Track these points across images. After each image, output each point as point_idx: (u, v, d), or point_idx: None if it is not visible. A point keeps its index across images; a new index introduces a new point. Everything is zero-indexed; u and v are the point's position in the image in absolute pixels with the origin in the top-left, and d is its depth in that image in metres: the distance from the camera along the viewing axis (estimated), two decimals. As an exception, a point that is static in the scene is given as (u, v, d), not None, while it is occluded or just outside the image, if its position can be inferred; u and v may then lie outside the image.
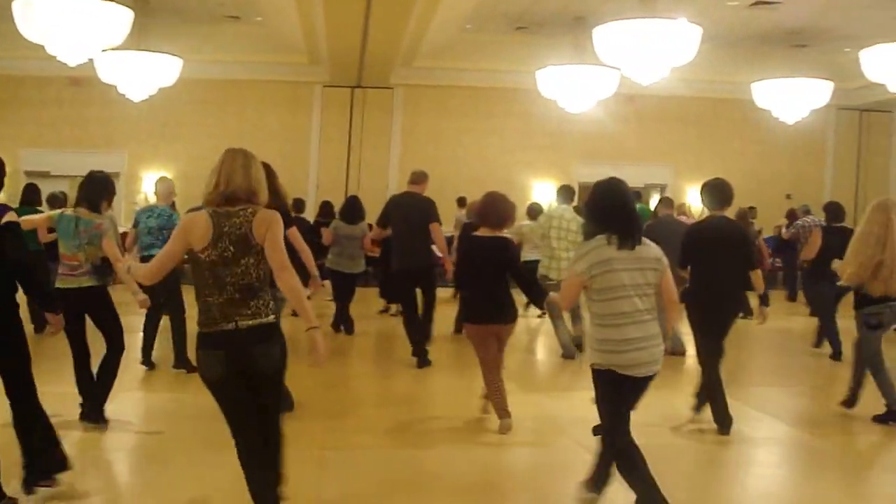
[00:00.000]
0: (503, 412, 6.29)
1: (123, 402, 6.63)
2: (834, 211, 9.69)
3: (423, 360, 8.63)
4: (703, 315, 6.50)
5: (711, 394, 6.47)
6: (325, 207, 13.22)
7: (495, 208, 6.39)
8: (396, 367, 8.98)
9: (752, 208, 13.91)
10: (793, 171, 18.81)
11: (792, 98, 14.52)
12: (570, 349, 9.20)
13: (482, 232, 6.40)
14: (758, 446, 6.39)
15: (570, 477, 5.02)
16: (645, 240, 4.53)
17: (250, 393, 3.85)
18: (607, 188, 4.57)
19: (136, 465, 5.67)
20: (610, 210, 4.48)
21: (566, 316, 9.23)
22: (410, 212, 8.80)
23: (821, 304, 9.93)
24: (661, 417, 6.60)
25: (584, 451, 5.15)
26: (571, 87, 13.59)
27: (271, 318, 3.88)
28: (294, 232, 6.07)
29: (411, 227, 8.76)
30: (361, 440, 6.21)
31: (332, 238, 10.61)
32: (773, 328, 12.35)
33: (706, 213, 7.15)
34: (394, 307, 11.85)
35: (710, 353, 6.49)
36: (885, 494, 5.38)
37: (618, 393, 4.38)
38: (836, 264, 7.30)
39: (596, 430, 4.51)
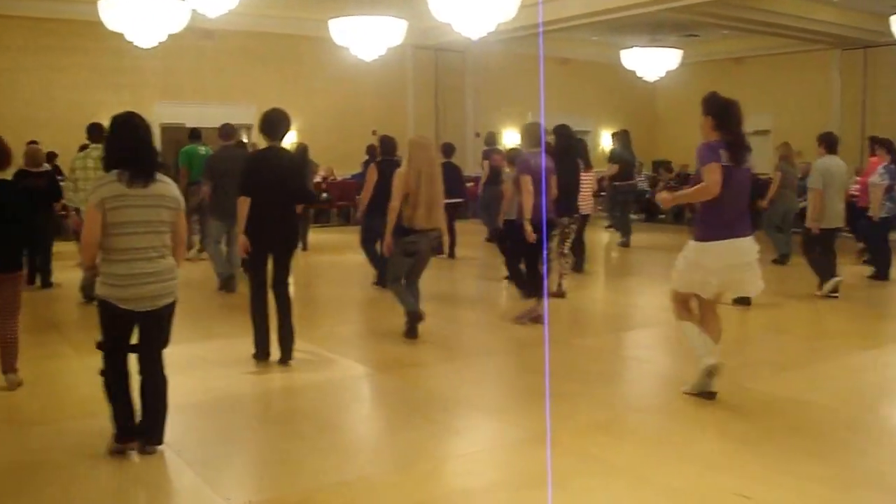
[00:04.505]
0: (9, 367, 5.99)
1: None
2: (387, 145, 9.88)
3: None
4: (257, 245, 6.53)
5: (254, 322, 6.66)
6: None
7: None
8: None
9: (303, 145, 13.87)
10: (378, 108, 19.17)
11: (368, 36, 14.63)
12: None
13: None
14: (332, 389, 6.21)
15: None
16: (163, 177, 4.57)
17: None
18: (120, 123, 4.55)
19: None
20: (121, 145, 4.47)
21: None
22: None
23: (372, 236, 10.00)
24: (232, 361, 6.68)
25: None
26: (137, 18, 12.51)
27: None
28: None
29: None
30: None
31: None
32: (329, 262, 12.65)
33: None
34: None
35: (257, 284, 6.66)
36: (452, 426, 5.38)
37: (115, 326, 4.54)
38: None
39: (99, 346, 4.65)
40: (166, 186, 4.57)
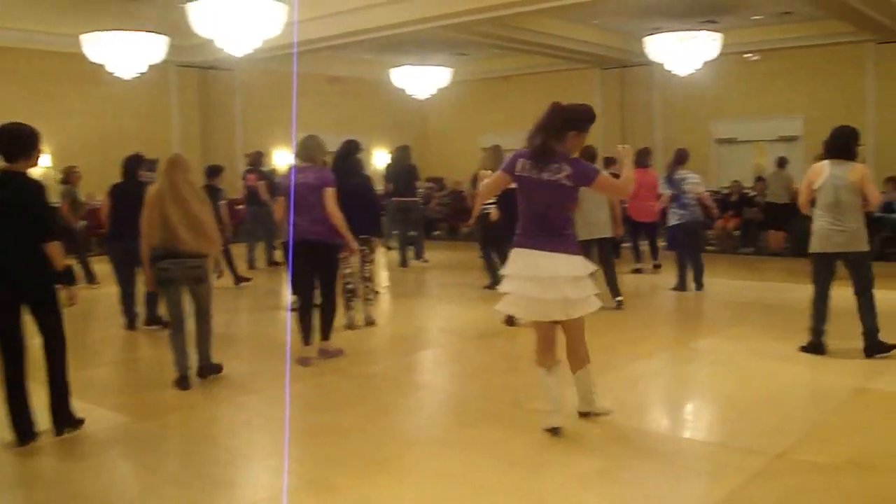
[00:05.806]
0: None
1: None
2: (127, 166, 9.16)
3: None
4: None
5: (9, 402, 5.34)
6: None
7: None
8: None
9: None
10: (139, 129, 18.05)
11: (126, 53, 13.81)
12: None
13: None
14: (83, 446, 5.49)
15: None
16: None
17: None
18: None
19: None
20: None
21: None
22: None
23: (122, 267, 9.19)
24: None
25: None
26: None
27: None
28: None
29: None
30: None
31: None
32: (86, 295, 11.66)
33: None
34: None
35: (8, 351, 5.30)
36: (222, 479, 4.89)
37: None
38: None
39: None
40: None
